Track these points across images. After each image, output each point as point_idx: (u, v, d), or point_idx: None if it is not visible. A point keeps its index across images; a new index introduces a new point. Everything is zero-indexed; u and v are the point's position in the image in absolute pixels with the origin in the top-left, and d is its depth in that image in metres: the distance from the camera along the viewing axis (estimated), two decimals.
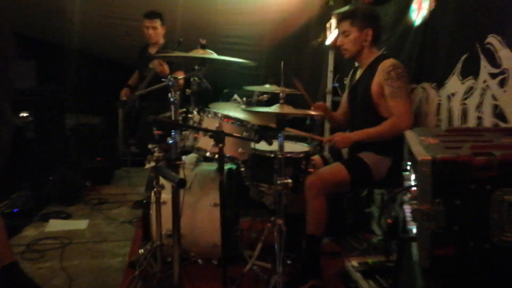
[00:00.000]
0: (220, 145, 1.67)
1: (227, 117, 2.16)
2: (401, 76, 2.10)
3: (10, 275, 1.98)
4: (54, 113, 4.41)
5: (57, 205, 3.48)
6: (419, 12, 2.46)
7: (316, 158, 2.41)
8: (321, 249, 2.25)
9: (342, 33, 2.28)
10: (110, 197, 3.77)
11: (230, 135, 1.96)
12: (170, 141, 1.87)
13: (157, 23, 3.44)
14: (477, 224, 0.93)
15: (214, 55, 2.10)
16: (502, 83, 1.73)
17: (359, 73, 2.37)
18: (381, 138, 2.12)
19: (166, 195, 2.12)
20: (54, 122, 4.39)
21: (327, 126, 3.78)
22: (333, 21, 3.58)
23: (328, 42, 3.69)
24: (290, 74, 2.23)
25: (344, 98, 2.62)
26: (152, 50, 3.56)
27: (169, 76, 1.92)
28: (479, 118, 1.88)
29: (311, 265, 2.17)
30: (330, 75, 3.81)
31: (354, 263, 2.10)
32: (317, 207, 2.10)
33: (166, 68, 3.25)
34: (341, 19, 2.34)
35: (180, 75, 3.30)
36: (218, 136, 1.68)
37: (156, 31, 3.46)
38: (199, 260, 2.20)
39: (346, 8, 3.38)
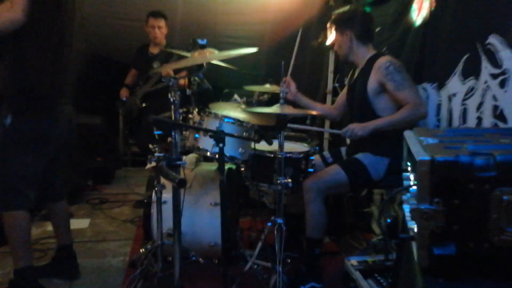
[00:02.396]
0: (220, 145, 1.68)
1: (227, 117, 2.16)
2: (400, 69, 2.11)
3: (22, 279, 2.02)
4: None
5: None
6: (419, 12, 2.47)
7: (316, 157, 2.42)
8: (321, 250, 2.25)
9: (335, 38, 2.37)
10: (111, 197, 3.78)
11: (230, 135, 1.96)
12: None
13: (162, 22, 3.46)
14: (476, 224, 0.94)
15: (215, 54, 2.10)
16: (503, 84, 1.74)
17: (356, 73, 2.38)
18: (401, 125, 2.04)
19: (167, 195, 2.13)
20: None
21: (327, 126, 3.78)
22: None
23: (328, 42, 3.70)
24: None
25: (341, 95, 2.63)
26: (154, 50, 3.57)
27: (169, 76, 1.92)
28: (479, 118, 1.88)
29: (312, 268, 2.18)
30: (330, 75, 3.81)
31: (354, 262, 2.11)
32: (316, 210, 2.11)
33: (185, 81, 3.15)
34: (332, 26, 2.44)
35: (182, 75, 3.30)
36: (218, 136, 1.69)
37: (161, 31, 3.47)
38: (199, 259, 2.21)
39: (346, 8, 3.39)
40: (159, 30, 3.46)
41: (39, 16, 1.80)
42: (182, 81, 3.14)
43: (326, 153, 2.51)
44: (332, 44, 2.98)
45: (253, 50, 1.97)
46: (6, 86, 1.91)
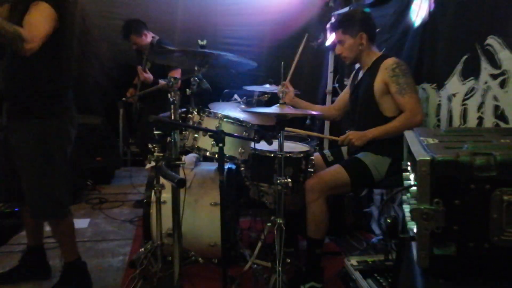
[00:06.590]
0: (220, 145, 1.68)
1: (227, 117, 2.16)
2: (406, 72, 2.12)
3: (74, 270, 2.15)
4: None
5: None
6: (418, 12, 2.47)
7: (316, 156, 2.42)
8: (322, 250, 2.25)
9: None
10: (110, 197, 3.78)
11: (230, 135, 1.96)
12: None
13: (133, 38, 3.43)
14: (476, 224, 0.93)
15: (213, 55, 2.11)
16: (502, 84, 1.74)
17: (361, 73, 2.38)
18: (396, 133, 2.06)
19: (166, 195, 2.13)
20: None
21: (327, 126, 3.79)
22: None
23: (328, 43, 3.70)
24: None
25: (342, 95, 2.63)
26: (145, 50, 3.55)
27: (168, 76, 1.93)
28: (481, 118, 1.89)
29: (312, 268, 2.18)
30: (330, 75, 3.82)
31: (354, 262, 2.10)
32: (317, 210, 2.10)
33: (148, 76, 3.30)
34: (332, 30, 2.39)
35: (177, 74, 3.31)
36: (218, 136, 1.69)
37: (138, 45, 3.46)
38: (199, 259, 2.21)
39: (345, 9, 3.39)
40: (136, 45, 3.47)
41: (61, 29, 1.88)
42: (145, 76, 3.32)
43: (327, 151, 2.51)
44: (333, 46, 2.99)
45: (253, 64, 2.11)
46: (24, 91, 1.93)
